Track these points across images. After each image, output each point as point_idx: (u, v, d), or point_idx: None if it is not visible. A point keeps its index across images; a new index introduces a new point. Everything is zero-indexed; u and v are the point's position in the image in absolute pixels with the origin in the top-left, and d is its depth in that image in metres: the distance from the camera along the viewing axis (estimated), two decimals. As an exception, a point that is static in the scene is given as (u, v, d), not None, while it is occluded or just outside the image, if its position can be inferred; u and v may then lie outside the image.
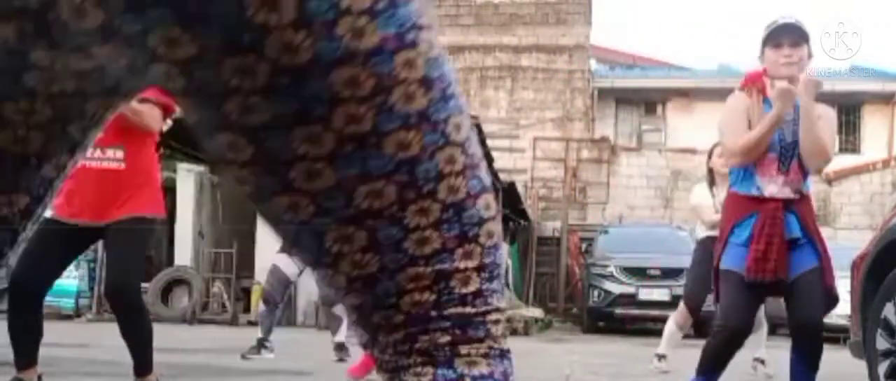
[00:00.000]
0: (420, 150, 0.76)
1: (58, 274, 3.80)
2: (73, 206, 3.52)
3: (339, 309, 6.37)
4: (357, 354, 7.11)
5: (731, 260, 3.49)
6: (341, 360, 6.14)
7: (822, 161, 3.48)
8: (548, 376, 5.68)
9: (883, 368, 4.01)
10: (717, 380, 3.61)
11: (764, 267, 3.37)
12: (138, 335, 3.65)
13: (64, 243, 3.58)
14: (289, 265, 6.31)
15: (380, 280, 0.79)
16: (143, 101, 3.42)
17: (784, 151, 3.47)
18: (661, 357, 6.25)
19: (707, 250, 5.74)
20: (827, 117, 3.56)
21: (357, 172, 0.74)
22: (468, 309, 0.82)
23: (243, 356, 6.15)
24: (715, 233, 5.67)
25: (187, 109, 0.78)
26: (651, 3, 61.48)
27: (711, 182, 6.13)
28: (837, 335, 11.56)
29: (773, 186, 3.46)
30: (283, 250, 6.32)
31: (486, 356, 0.83)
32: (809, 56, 3.57)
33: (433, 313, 0.80)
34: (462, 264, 0.80)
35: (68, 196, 3.53)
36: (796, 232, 3.43)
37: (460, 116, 0.80)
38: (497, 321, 0.86)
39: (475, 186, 0.81)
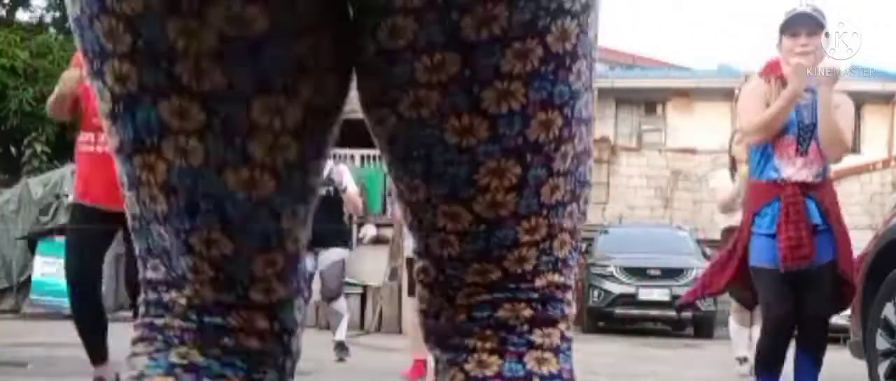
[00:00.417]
0: (583, 85, 0.75)
1: (103, 259, 3.80)
2: (94, 190, 3.53)
3: (341, 306, 6.37)
4: (355, 353, 7.11)
5: (759, 254, 3.49)
6: (341, 359, 6.14)
7: (840, 150, 3.47)
8: (548, 376, 5.67)
9: (883, 368, 4.01)
10: (778, 374, 3.59)
11: (799, 254, 3.36)
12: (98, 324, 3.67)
13: (98, 232, 3.60)
14: (308, 260, 6.30)
15: (504, 225, 0.75)
16: None
17: (802, 132, 3.48)
18: (742, 360, 6.24)
19: (726, 242, 5.92)
20: (845, 107, 3.57)
21: (544, 98, 0.72)
22: (556, 278, 0.80)
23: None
24: (732, 222, 5.76)
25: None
26: (651, 3, 61.50)
27: (733, 168, 6.18)
28: (837, 335, 11.57)
29: (790, 169, 3.47)
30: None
31: (556, 351, 0.80)
32: (828, 38, 3.58)
33: (529, 275, 0.78)
34: (566, 223, 0.78)
35: (87, 182, 3.54)
36: (816, 219, 3.43)
37: (594, 59, 0.79)
38: (570, 303, 0.83)
39: (589, 143, 0.79)
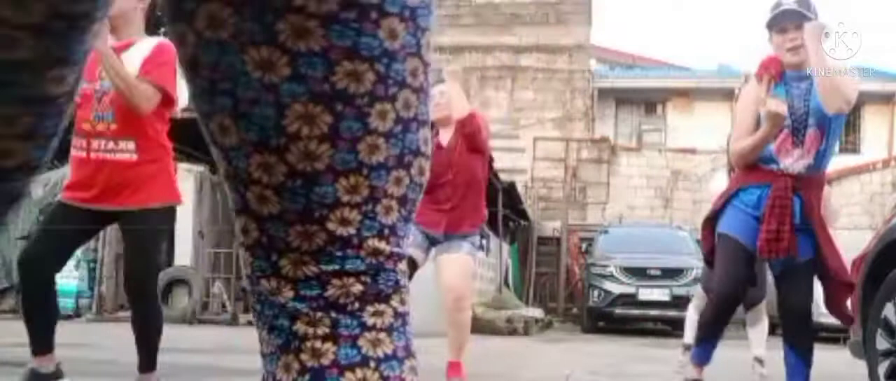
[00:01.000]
0: (400, 46, 0.74)
1: (69, 255, 3.82)
2: (86, 193, 3.56)
3: None
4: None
5: (731, 225, 3.50)
6: None
7: (840, 101, 3.41)
8: (548, 376, 5.68)
9: (883, 368, 4.01)
10: (713, 348, 3.62)
11: (777, 247, 3.39)
12: (150, 329, 3.68)
13: (77, 224, 3.61)
14: None
15: (322, 182, 0.75)
16: (141, 80, 3.45)
17: (797, 122, 3.48)
18: (759, 361, 6.24)
19: None
20: (846, 79, 3.56)
21: (347, 45, 0.72)
22: (383, 245, 0.78)
23: None
24: None
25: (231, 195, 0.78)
26: (651, 3, 61.51)
27: (731, 170, 6.16)
28: (837, 335, 11.56)
29: (788, 159, 3.48)
30: None
31: (389, 330, 0.79)
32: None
33: (355, 239, 0.76)
34: (390, 189, 0.78)
35: (81, 185, 3.56)
36: (797, 218, 3.43)
37: (432, 34, 0.78)
38: (404, 272, 0.81)
39: (423, 112, 0.79)
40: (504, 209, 16.25)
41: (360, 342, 0.78)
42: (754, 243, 3.47)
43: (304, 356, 0.77)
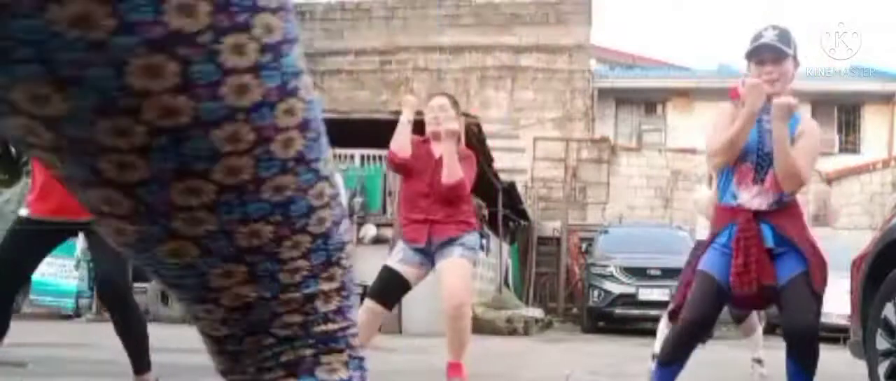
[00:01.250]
0: (295, 190, 0.79)
1: (32, 270, 3.84)
2: (49, 204, 3.55)
3: None
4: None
5: (710, 263, 3.54)
6: None
7: (795, 184, 3.48)
8: (548, 376, 5.68)
9: (883, 368, 4.01)
10: (677, 371, 3.63)
11: (747, 280, 3.42)
12: (133, 331, 3.68)
13: (39, 239, 3.62)
14: None
15: (256, 308, 0.83)
16: None
17: (761, 160, 3.50)
18: (759, 361, 6.25)
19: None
20: (811, 137, 3.57)
21: (238, 218, 0.76)
22: (331, 326, 0.87)
23: None
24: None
25: (57, 162, 0.75)
26: (651, 3, 61.50)
27: (711, 182, 6.17)
28: (837, 335, 11.57)
29: (746, 195, 3.49)
30: None
31: (345, 364, 0.88)
32: (796, 65, 3.61)
33: (300, 333, 0.85)
34: (326, 287, 0.85)
35: (43, 195, 3.56)
36: (770, 242, 3.45)
37: (327, 152, 0.84)
38: (354, 334, 0.91)
39: (338, 214, 0.85)
40: (504, 209, 16.25)
41: (318, 371, 0.87)
42: (727, 279, 3.50)
43: None
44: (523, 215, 18.04)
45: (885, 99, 20.32)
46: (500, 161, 15.81)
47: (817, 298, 3.42)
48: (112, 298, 3.67)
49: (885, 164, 18.51)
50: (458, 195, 4.58)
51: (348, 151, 12.12)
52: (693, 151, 18.89)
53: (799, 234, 3.50)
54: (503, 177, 15.50)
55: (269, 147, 0.75)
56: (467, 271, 4.64)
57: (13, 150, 17.84)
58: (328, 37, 20.80)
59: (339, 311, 0.87)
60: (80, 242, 13.76)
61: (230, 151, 0.73)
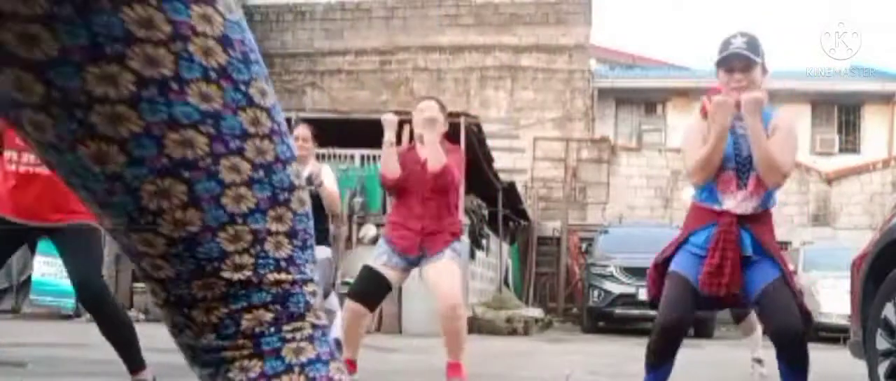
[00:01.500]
0: (223, 105, 0.77)
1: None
2: (18, 206, 3.56)
3: (332, 303, 6.39)
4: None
5: (681, 264, 3.56)
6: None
7: (777, 176, 3.49)
8: (548, 376, 5.68)
9: (883, 368, 4.01)
10: (665, 375, 3.64)
11: (718, 282, 3.43)
12: (120, 332, 3.67)
13: (5, 241, 3.62)
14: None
15: (202, 241, 0.78)
16: None
17: (741, 166, 3.52)
18: (759, 361, 6.26)
19: None
20: (786, 129, 3.59)
21: (164, 119, 0.74)
22: (283, 276, 0.82)
23: None
24: None
25: None
26: (651, 3, 61.50)
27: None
28: (837, 335, 11.57)
29: (731, 201, 3.52)
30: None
31: (310, 339, 0.84)
32: (764, 73, 3.62)
33: (253, 279, 0.80)
34: (274, 227, 0.81)
35: (13, 197, 3.57)
36: (748, 250, 3.47)
37: (264, 83, 0.81)
38: (314, 293, 0.86)
39: (284, 151, 0.82)
40: (504, 209, 16.25)
41: (284, 353, 0.83)
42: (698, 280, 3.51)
43: (232, 374, 0.82)
44: (523, 215, 18.04)
45: (885, 99, 20.32)
46: (500, 161, 15.80)
47: (801, 308, 3.45)
48: (92, 301, 3.67)
49: (885, 164, 18.51)
50: (445, 184, 4.60)
51: (348, 152, 12.12)
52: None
53: (772, 242, 3.54)
54: (503, 177, 15.49)
55: (188, 47, 0.74)
56: (457, 274, 4.69)
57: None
58: (328, 37, 20.80)
59: (292, 261, 0.83)
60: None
61: (145, 37, 0.72)
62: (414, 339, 9.35)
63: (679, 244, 3.62)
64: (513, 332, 11.23)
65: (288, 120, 11.89)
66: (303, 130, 6.48)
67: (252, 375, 0.82)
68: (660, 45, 63.68)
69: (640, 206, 19.23)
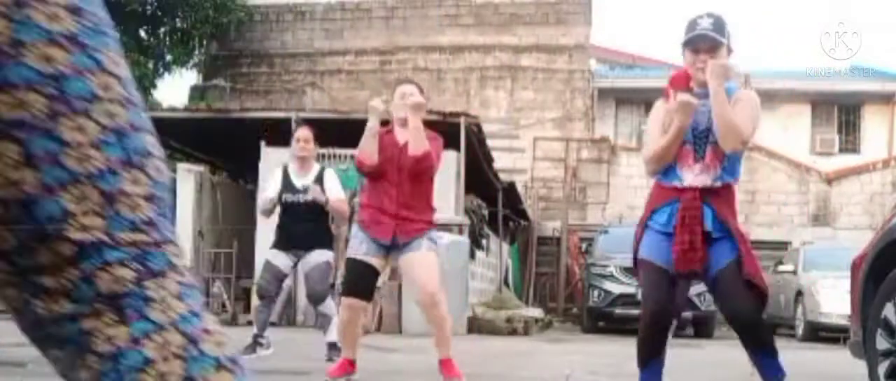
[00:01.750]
0: (69, 68, 0.76)
1: None
2: None
3: (328, 308, 6.40)
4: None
5: (648, 249, 3.56)
6: (331, 360, 6.14)
7: (736, 140, 3.51)
8: (548, 376, 5.68)
9: (883, 368, 4.01)
10: (659, 369, 3.63)
11: (692, 258, 3.43)
12: None
13: None
14: (283, 260, 6.32)
15: (40, 201, 0.75)
16: None
17: (698, 139, 3.54)
18: None
19: None
20: (747, 99, 3.64)
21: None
22: (141, 237, 0.79)
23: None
24: None
25: None
26: (651, 3, 61.47)
27: None
28: (837, 335, 11.57)
29: (690, 175, 3.54)
30: (277, 245, 6.34)
31: (179, 295, 0.80)
32: (730, 53, 3.64)
33: (105, 238, 0.77)
34: (130, 189, 0.79)
35: None
36: (709, 226, 3.47)
37: (117, 54, 0.81)
38: (178, 255, 0.82)
39: (138, 121, 0.81)
40: (504, 209, 16.24)
41: (150, 313, 0.78)
42: (670, 263, 3.50)
43: (99, 347, 0.77)
44: (523, 215, 18.04)
45: (885, 99, 20.31)
46: (500, 161, 15.80)
47: (750, 285, 3.44)
48: None
49: (885, 164, 18.51)
50: (424, 169, 4.59)
51: (348, 152, 12.10)
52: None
53: (733, 220, 3.55)
54: (503, 177, 15.49)
55: (28, 12, 0.75)
56: (435, 263, 4.69)
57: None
58: (328, 37, 20.80)
59: (151, 223, 0.80)
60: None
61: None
62: (414, 339, 9.34)
63: (643, 225, 3.62)
64: (513, 332, 11.23)
65: (288, 120, 11.82)
66: (304, 132, 6.46)
67: (120, 343, 0.77)
68: (660, 45, 63.64)
69: (640, 206, 19.14)
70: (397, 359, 6.86)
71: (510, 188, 15.90)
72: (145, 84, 17.97)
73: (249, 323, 11.31)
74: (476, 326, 11.15)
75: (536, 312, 13.53)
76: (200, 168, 13.66)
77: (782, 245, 17.39)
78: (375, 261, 4.65)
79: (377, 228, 4.61)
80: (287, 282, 8.89)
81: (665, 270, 3.50)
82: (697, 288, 12.15)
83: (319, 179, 6.34)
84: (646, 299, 3.58)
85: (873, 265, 4.24)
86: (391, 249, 4.66)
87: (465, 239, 11.27)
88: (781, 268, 14.33)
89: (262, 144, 11.94)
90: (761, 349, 3.47)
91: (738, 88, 3.72)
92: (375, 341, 9.02)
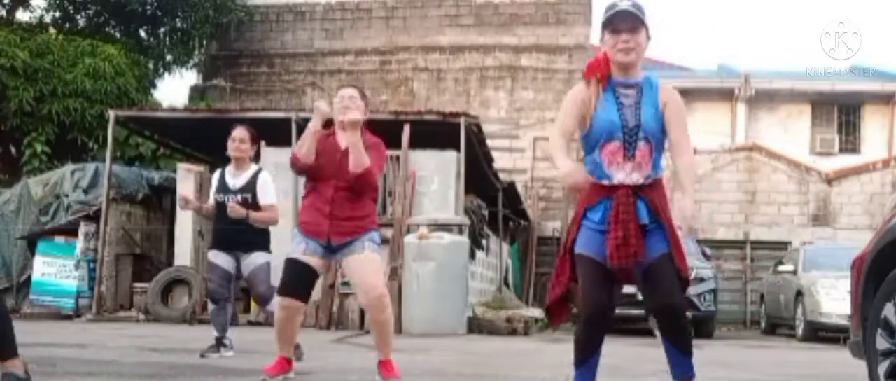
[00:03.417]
0: None
1: None
2: None
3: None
4: (355, 353, 7.11)
5: (584, 244, 3.52)
6: (297, 359, 6.14)
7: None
8: (548, 376, 5.68)
9: (883, 368, 4.00)
10: (594, 367, 3.62)
11: (626, 253, 3.39)
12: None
13: None
14: (224, 259, 6.29)
15: None
16: None
17: (628, 136, 3.49)
18: None
19: None
20: (674, 102, 3.60)
21: None
22: None
23: (202, 355, 6.14)
24: None
25: None
26: (651, 4, 61.46)
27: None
28: (837, 335, 11.56)
29: (621, 174, 3.49)
30: (216, 245, 6.31)
31: None
32: (648, 39, 3.60)
33: None
34: None
35: None
36: (645, 218, 3.45)
37: None
38: None
39: None
40: (504, 209, 16.24)
41: None
42: (605, 256, 3.47)
43: None
44: (523, 215, 18.04)
45: (885, 99, 20.31)
46: (500, 161, 15.79)
47: (680, 277, 3.44)
48: None
49: (885, 164, 18.50)
50: (365, 184, 4.55)
51: (348, 151, 12.12)
52: (693, 151, 18.88)
53: (665, 210, 3.52)
54: (503, 177, 15.49)
55: None
56: (378, 264, 4.64)
57: (13, 149, 17.76)
58: (328, 37, 20.80)
59: None
60: (79, 242, 13.73)
61: None
62: (414, 339, 9.34)
63: (579, 221, 3.58)
64: (513, 332, 11.22)
65: (288, 120, 11.79)
66: (239, 131, 6.34)
67: None
68: (660, 46, 63.65)
69: (640, 206, 19.22)
70: (397, 359, 6.84)
71: (510, 188, 15.89)
72: (145, 84, 17.96)
73: (249, 323, 11.32)
74: (476, 326, 11.15)
75: (536, 312, 13.52)
76: (200, 168, 13.66)
77: (782, 245, 17.39)
78: (314, 261, 4.57)
79: (311, 227, 4.55)
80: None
81: (603, 265, 3.46)
82: (697, 288, 12.20)
83: (252, 182, 6.24)
84: (584, 296, 3.51)
85: (873, 265, 4.23)
86: (330, 250, 4.58)
87: (465, 239, 11.27)
88: (781, 268, 14.33)
89: (262, 144, 11.93)
90: (680, 346, 3.48)
91: (656, 82, 3.64)
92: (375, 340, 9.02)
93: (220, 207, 6.21)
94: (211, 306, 6.46)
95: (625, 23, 3.51)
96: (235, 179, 6.26)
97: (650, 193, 3.50)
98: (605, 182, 3.51)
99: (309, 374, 5.22)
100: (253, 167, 6.38)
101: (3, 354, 3.71)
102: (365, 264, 4.53)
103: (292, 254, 4.60)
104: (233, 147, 6.28)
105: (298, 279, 4.57)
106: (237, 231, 6.11)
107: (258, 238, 6.26)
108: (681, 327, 3.48)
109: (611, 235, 3.41)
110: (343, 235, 4.53)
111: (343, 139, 4.59)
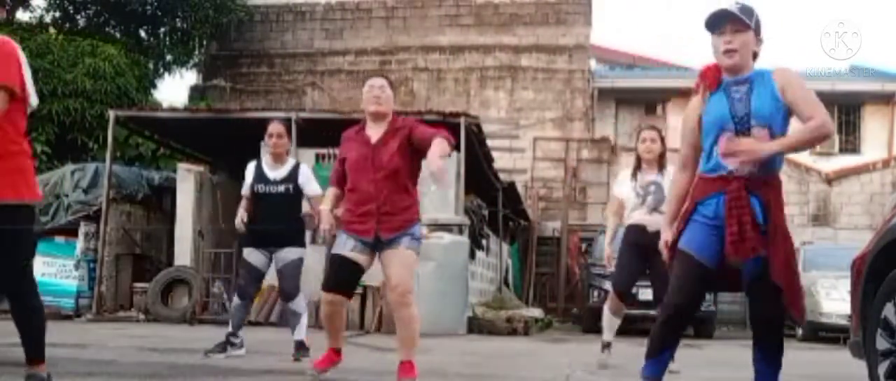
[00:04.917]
0: None
1: None
2: None
3: (299, 305, 6.39)
4: (355, 353, 7.10)
5: (690, 240, 3.46)
6: (297, 360, 6.13)
7: (826, 138, 3.42)
8: (548, 376, 5.68)
9: (883, 368, 4.00)
10: (666, 361, 3.57)
11: (743, 248, 3.32)
12: (29, 320, 3.64)
13: None
14: (257, 257, 6.29)
15: None
16: None
17: (739, 124, 3.42)
18: (606, 346, 6.43)
19: (627, 239, 6.40)
20: (792, 82, 3.45)
21: None
22: None
23: (206, 354, 6.14)
24: (637, 220, 6.13)
25: None
26: (651, 3, 61.46)
27: (637, 167, 6.26)
28: (837, 335, 11.56)
29: (735, 162, 3.40)
30: (251, 242, 6.31)
31: None
32: (759, 43, 3.53)
33: None
34: None
35: None
36: (759, 217, 3.38)
37: None
38: None
39: None
40: (504, 209, 16.24)
41: None
42: (713, 258, 3.41)
43: None
44: (523, 215, 18.04)
45: (885, 99, 20.32)
46: (500, 161, 15.80)
47: (778, 288, 3.37)
48: (9, 292, 3.62)
49: (885, 164, 18.51)
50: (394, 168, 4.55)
51: (348, 151, 12.13)
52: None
53: (780, 215, 3.42)
54: (503, 177, 15.49)
55: None
56: (412, 261, 4.62)
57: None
58: (328, 37, 20.80)
59: None
60: (79, 242, 13.71)
61: None
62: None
63: (687, 217, 3.50)
64: (513, 332, 11.23)
65: (288, 120, 11.80)
66: (276, 127, 6.38)
67: None
68: (660, 45, 63.66)
69: (640, 206, 19.23)
70: (397, 359, 6.84)
71: (510, 188, 15.89)
72: (145, 84, 17.95)
73: (250, 323, 11.31)
74: (476, 326, 11.15)
75: (536, 312, 13.53)
76: (200, 168, 13.66)
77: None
78: (360, 258, 4.58)
79: (359, 227, 4.55)
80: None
81: (703, 265, 3.39)
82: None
83: (293, 174, 6.29)
84: (671, 293, 3.43)
85: (873, 265, 4.23)
86: (376, 246, 4.59)
87: (465, 239, 11.26)
88: (781, 268, 14.32)
89: (262, 144, 11.94)
90: (773, 357, 3.43)
91: (767, 71, 3.52)
92: (375, 341, 9.03)
93: (261, 198, 6.21)
94: (236, 301, 6.46)
95: (727, 23, 3.44)
96: (275, 171, 6.30)
97: (765, 191, 3.42)
98: (721, 172, 3.43)
99: (309, 374, 5.22)
100: (291, 160, 6.47)
101: (31, 359, 3.70)
102: (399, 259, 4.54)
103: (337, 250, 4.62)
104: (271, 143, 6.36)
105: (344, 275, 4.61)
106: (274, 226, 6.13)
107: (295, 233, 6.30)
108: (780, 341, 3.43)
109: (727, 231, 3.33)
110: (391, 231, 4.53)
111: (373, 132, 4.62)
